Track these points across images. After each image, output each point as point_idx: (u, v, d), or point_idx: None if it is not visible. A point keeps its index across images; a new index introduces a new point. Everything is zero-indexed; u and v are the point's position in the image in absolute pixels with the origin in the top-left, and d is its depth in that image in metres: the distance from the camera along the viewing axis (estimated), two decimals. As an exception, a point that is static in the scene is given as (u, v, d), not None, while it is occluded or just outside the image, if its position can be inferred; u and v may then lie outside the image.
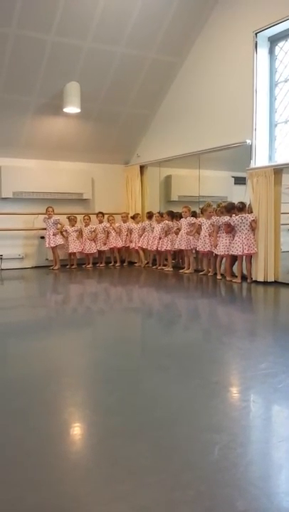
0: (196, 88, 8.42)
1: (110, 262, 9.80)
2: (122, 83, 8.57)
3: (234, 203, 7.34)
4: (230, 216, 7.24)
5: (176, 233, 8.48)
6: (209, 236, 7.68)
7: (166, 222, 8.66)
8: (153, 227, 9.05)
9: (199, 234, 7.94)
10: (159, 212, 9.21)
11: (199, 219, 8.09)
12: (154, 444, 2.18)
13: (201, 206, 8.23)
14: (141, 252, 9.53)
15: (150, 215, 9.39)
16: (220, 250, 7.29)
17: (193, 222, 8.13)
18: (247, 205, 7.12)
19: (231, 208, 7.31)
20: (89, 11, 7.27)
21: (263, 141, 7.27)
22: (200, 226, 7.94)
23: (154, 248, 8.92)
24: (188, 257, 8.34)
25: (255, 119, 7.18)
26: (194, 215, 8.36)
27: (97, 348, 4.02)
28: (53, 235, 9.12)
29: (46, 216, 9.15)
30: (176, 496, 1.77)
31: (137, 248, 9.47)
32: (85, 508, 1.74)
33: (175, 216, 8.77)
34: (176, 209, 8.87)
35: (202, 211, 8.02)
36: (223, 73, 7.78)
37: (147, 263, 9.47)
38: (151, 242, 8.98)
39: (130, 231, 9.63)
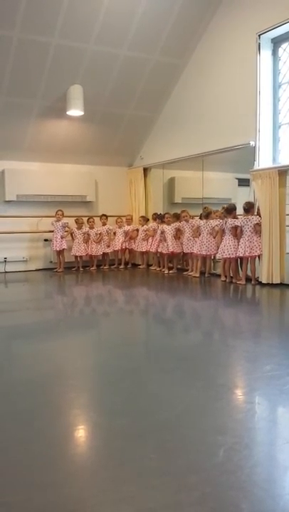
0: (199, 90, 8.43)
1: (114, 264, 9.81)
2: (125, 85, 8.59)
3: (234, 205, 7.36)
4: (233, 218, 7.24)
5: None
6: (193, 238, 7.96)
7: (178, 224, 8.67)
8: (154, 229, 9.09)
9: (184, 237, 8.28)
10: (157, 214, 9.21)
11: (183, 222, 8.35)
12: (159, 446, 2.18)
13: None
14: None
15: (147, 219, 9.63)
16: (224, 253, 7.26)
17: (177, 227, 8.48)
18: (255, 207, 7.10)
19: (232, 210, 7.31)
20: (92, 13, 7.29)
21: (267, 143, 7.27)
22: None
23: (154, 250, 8.97)
24: (193, 259, 8.33)
25: (258, 120, 7.18)
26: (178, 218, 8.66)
27: (101, 350, 4.02)
28: (61, 238, 9.16)
29: (55, 219, 9.18)
30: (182, 498, 1.77)
31: (145, 250, 9.49)
32: (90, 510, 1.74)
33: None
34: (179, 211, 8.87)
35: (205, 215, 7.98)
36: (226, 75, 7.78)
37: (150, 265, 9.51)
38: (157, 244, 9.00)
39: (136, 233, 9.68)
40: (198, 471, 1.95)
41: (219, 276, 7.65)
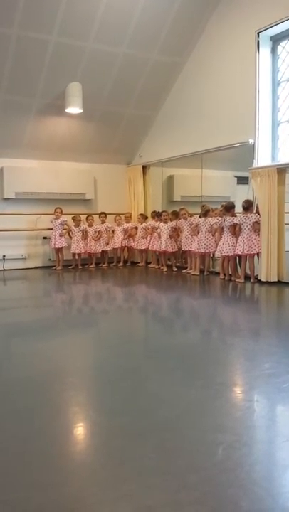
0: (198, 88, 8.42)
1: (113, 262, 9.81)
2: (124, 84, 8.57)
3: (233, 203, 7.36)
4: (232, 216, 7.25)
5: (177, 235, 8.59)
6: (190, 235, 8.03)
7: (175, 222, 8.67)
8: (153, 227, 9.08)
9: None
10: (156, 212, 9.21)
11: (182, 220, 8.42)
12: (158, 445, 2.18)
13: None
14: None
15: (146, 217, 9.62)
16: (223, 251, 7.27)
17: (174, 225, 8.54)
18: (254, 205, 7.10)
19: (231, 208, 7.31)
20: (91, 11, 7.27)
21: (266, 141, 7.26)
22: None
23: (154, 248, 8.99)
24: (192, 257, 8.33)
25: (257, 118, 7.17)
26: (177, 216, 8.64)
27: (101, 348, 4.03)
28: (59, 235, 9.15)
29: (54, 217, 9.18)
30: (181, 497, 1.77)
31: (144, 248, 9.48)
32: (89, 508, 1.74)
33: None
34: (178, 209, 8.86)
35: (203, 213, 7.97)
36: (225, 73, 7.77)
37: (149, 263, 9.52)
38: (154, 242, 9.00)
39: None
40: (197, 470, 1.96)
41: (218, 274, 7.66)
